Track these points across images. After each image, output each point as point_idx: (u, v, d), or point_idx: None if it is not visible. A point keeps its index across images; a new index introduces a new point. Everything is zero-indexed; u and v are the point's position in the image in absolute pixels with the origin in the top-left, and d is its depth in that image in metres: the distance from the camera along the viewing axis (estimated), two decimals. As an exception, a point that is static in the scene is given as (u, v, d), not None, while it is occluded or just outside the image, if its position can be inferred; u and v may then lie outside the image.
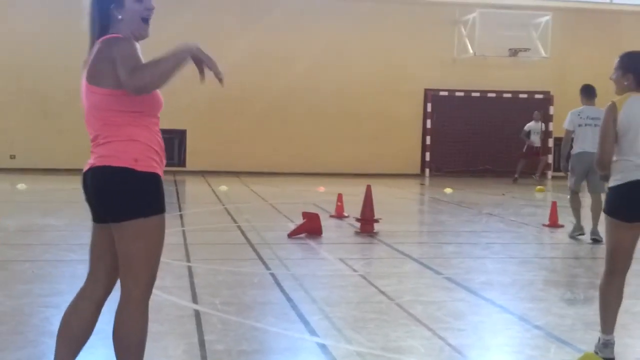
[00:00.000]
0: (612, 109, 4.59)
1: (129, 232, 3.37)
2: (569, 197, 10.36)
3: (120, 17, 3.48)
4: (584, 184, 10.03)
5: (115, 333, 3.54)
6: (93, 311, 3.66)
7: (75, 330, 3.63)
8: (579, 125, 9.79)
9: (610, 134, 4.56)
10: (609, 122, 4.57)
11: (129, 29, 3.49)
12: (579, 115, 9.84)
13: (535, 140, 21.21)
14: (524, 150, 21.30)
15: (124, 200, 3.35)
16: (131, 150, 3.36)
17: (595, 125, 9.17)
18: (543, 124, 21.63)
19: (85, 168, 3.48)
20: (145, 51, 3.64)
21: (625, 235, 4.59)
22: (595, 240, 9.44)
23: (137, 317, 3.52)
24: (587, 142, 9.57)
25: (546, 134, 23.14)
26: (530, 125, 21.23)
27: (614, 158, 4.59)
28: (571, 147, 10.02)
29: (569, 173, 10.13)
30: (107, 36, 3.44)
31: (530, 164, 21.42)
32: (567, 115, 10.02)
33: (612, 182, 4.62)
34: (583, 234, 9.88)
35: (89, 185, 3.48)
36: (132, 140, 3.38)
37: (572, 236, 9.98)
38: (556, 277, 7.49)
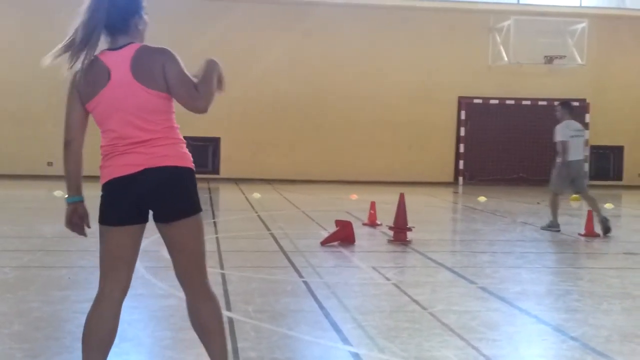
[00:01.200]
0: None
1: (194, 227, 3.65)
2: (550, 197, 11.68)
3: (140, 28, 3.65)
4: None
5: (199, 324, 3.85)
6: (116, 313, 3.77)
7: (102, 334, 3.72)
8: (571, 137, 11.37)
9: None
10: None
11: (142, 41, 3.67)
12: (567, 127, 11.42)
13: None
14: None
15: (194, 197, 3.65)
16: (187, 152, 3.69)
17: (579, 137, 11.52)
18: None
19: (138, 169, 3.54)
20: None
21: None
22: (606, 221, 10.99)
23: (214, 303, 3.85)
24: (575, 152, 11.37)
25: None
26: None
27: None
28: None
29: (553, 177, 11.60)
30: (149, 45, 3.59)
31: None
32: (557, 129, 11.48)
33: None
34: (559, 231, 11.35)
35: (146, 185, 3.55)
36: (183, 141, 3.69)
37: (545, 228, 11.46)
38: (592, 287, 7.38)
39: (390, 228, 10.20)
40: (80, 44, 3.53)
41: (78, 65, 3.55)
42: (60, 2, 19.41)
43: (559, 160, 11.46)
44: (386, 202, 12.84)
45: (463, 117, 22.78)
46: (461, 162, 22.85)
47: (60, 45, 3.57)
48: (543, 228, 11.59)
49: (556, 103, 12.50)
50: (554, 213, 11.45)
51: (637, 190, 22.03)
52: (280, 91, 22.00)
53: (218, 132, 22.08)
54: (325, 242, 9.53)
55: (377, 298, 6.65)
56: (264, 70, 21.75)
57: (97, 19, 3.53)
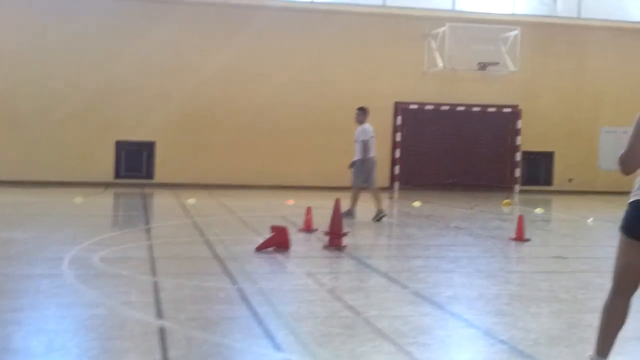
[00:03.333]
0: None
1: None
2: (354, 192, 13.66)
3: None
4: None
5: None
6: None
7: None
8: (370, 137, 13.46)
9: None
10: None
11: None
12: (368, 129, 13.52)
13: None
14: None
15: None
16: None
17: (374, 137, 13.65)
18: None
19: None
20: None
21: (637, 255, 4.30)
22: (382, 214, 13.31)
23: None
24: (372, 150, 13.48)
25: (513, 148, 23.41)
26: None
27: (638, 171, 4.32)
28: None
29: (356, 174, 13.57)
30: None
31: None
32: (360, 131, 13.52)
33: (632, 197, 4.30)
34: (354, 219, 13.16)
35: None
36: None
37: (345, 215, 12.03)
38: (521, 291, 7.53)
39: (326, 233, 10.21)
40: None
41: None
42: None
43: (359, 158, 13.43)
44: (322, 207, 12.86)
45: (399, 122, 23.00)
46: (397, 167, 23.06)
47: None
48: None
49: (357, 108, 14.07)
50: (354, 204, 13.46)
51: (567, 195, 22.61)
52: (216, 96, 21.84)
53: (152, 136, 21.79)
54: (260, 248, 9.48)
55: (311, 304, 6.65)
56: (199, 75, 21.56)
57: None
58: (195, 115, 21.72)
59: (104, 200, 17.72)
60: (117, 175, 21.74)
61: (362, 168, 13.49)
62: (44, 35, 21.02)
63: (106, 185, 20.82)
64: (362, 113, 13.80)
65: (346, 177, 22.20)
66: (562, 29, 23.94)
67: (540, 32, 23.66)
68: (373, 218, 13.37)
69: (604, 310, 4.41)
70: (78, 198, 16.13)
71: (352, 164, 13.69)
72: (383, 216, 13.41)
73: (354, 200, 13.59)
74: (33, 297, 6.44)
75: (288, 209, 15.30)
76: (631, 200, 4.31)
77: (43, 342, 5.10)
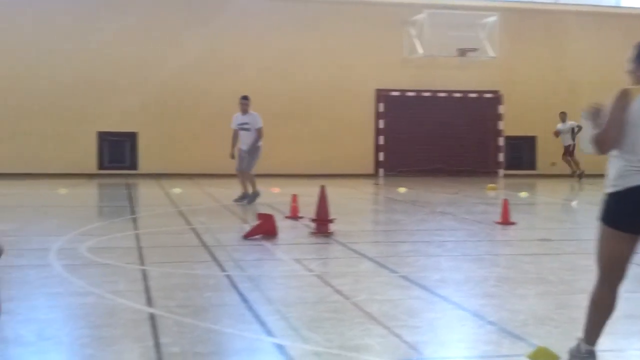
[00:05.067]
0: (625, 96, 4.10)
1: None
2: (250, 175, 14.15)
3: None
4: None
5: None
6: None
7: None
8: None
9: (620, 120, 4.07)
10: (620, 109, 4.08)
11: None
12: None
13: (565, 139, 21.71)
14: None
15: None
16: None
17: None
18: (573, 122, 21.66)
19: None
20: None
21: (624, 245, 4.19)
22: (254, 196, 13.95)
23: None
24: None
25: (496, 133, 23.50)
26: (558, 127, 21.74)
27: (614, 153, 4.17)
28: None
29: (252, 159, 14.17)
30: None
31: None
32: (257, 118, 14.30)
33: (612, 188, 4.16)
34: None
35: None
36: None
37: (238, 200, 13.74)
38: (508, 273, 7.59)
39: (313, 220, 10.23)
40: None
41: None
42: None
43: (258, 144, 14.17)
44: (308, 195, 12.88)
45: (381, 109, 23.04)
46: (381, 154, 23.11)
47: None
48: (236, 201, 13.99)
49: (241, 96, 14.72)
50: (254, 185, 14.15)
51: (550, 179, 22.77)
52: (196, 85, 21.78)
53: (134, 126, 21.71)
54: (247, 236, 9.49)
55: (300, 289, 6.67)
56: (179, 64, 21.47)
57: None
58: (175, 105, 21.67)
59: (89, 191, 17.65)
60: (101, 166, 21.66)
61: (257, 153, 14.29)
62: (19, 30, 20.84)
63: (90, 176, 20.72)
64: (247, 102, 14.59)
65: (329, 164, 22.43)
66: (540, 14, 24.05)
67: (519, 17, 23.75)
68: (240, 200, 14.06)
69: (592, 301, 4.33)
70: (62, 189, 16.05)
71: (249, 151, 14.19)
72: (256, 197, 14.16)
73: (253, 182, 14.23)
74: (22, 287, 6.41)
75: (274, 196, 15.30)
76: (610, 191, 4.17)
77: (34, 331, 5.09)
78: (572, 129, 21.57)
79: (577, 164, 21.68)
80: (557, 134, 21.78)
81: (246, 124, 14.21)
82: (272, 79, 22.18)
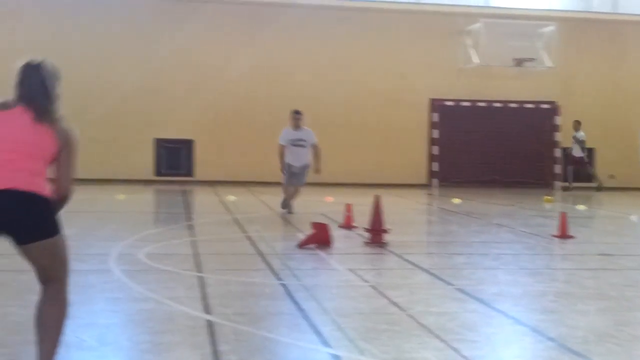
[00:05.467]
0: None
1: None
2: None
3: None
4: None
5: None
6: None
7: None
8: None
9: None
10: None
11: None
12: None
13: (574, 150, 21.52)
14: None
15: None
16: None
17: None
18: (582, 133, 21.42)
19: None
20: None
21: None
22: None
23: None
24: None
25: (552, 145, 23.14)
26: (575, 135, 21.52)
27: None
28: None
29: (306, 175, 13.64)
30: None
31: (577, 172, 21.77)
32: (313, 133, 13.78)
33: None
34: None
35: None
36: None
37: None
38: (567, 288, 7.46)
39: (367, 230, 10.21)
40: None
41: None
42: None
43: (309, 162, 13.68)
44: (361, 204, 12.87)
45: (435, 119, 22.91)
46: (435, 164, 22.97)
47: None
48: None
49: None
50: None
51: (608, 192, 22.31)
52: (252, 93, 21.96)
53: (191, 134, 21.99)
54: (302, 245, 9.52)
55: (355, 300, 6.66)
56: (236, 72, 21.69)
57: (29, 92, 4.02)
58: (230, 113, 21.90)
59: (146, 197, 17.94)
60: (158, 172, 21.99)
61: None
62: (77, 36, 21.30)
63: (147, 182, 21.06)
64: (303, 116, 13.95)
65: (383, 174, 22.36)
66: (599, 24, 23.63)
67: (577, 27, 23.39)
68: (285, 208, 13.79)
69: None
70: (120, 195, 16.35)
71: (306, 167, 13.73)
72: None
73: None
74: (83, 292, 6.53)
75: (327, 206, 15.32)
76: None
77: (95, 335, 5.19)
78: (584, 140, 21.17)
79: (594, 176, 21.39)
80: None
81: (301, 140, 13.51)
82: (326, 88, 22.25)
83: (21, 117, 3.96)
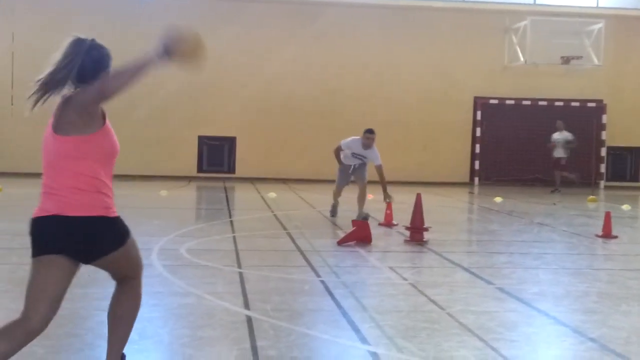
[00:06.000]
0: None
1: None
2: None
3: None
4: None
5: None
6: None
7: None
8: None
9: None
10: None
11: None
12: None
13: (559, 152, 20.17)
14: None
15: None
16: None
17: None
18: (568, 134, 20.31)
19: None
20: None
21: None
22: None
23: None
24: None
25: (598, 144, 22.76)
26: (554, 137, 20.28)
27: None
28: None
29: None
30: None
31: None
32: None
33: None
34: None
35: None
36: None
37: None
38: (610, 288, 7.35)
39: (407, 228, 10.19)
40: (49, 85, 3.63)
41: (39, 105, 3.65)
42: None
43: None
44: (402, 202, 12.83)
45: (479, 117, 22.71)
46: (477, 163, 22.78)
47: (34, 86, 3.64)
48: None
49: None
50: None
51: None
52: (294, 91, 22.02)
53: (234, 131, 22.15)
54: (341, 242, 9.54)
55: (394, 298, 6.66)
56: (278, 70, 21.77)
57: (70, 67, 3.63)
58: (272, 111, 21.98)
59: (188, 193, 18.12)
60: (200, 169, 22.20)
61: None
62: (122, 36, 21.56)
63: (190, 178, 21.27)
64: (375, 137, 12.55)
65: (424, 172, 22.26)
66: (648, 21, 23.18)
67: (625, 25, 22.97)
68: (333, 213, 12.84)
69: None
70: (163, 191, 16.54)
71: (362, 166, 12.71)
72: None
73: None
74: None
75: (367, 203, 15.28)
76: None
77: (136, 329, 5.19)
78: (567, 141, 20.01)
79: (568, 179, 20.16)
80: (554, 145, 20.14)
81: (364, 157, 12.47)
82: (368, 86, 22.20)
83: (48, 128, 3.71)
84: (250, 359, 4.73)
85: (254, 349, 4.91)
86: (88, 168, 3.62)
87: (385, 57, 22.22)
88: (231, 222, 12.05)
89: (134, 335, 5.14)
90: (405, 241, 9.97)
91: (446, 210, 15.25)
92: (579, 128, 22.14)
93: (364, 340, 5.22)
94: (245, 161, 22.19)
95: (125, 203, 14.99)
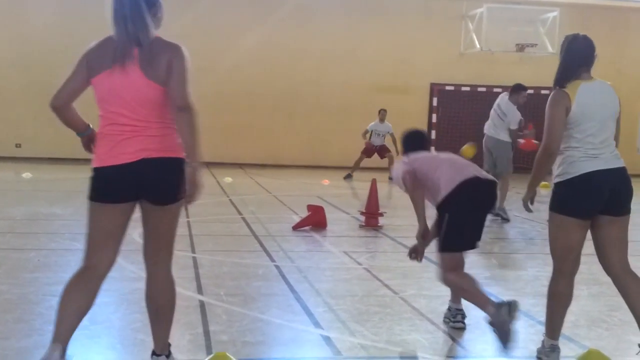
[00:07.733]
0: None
1: (172, 213, 4.17)
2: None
3: (159, 15, 4.07)
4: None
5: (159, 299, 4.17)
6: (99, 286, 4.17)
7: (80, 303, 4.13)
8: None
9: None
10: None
11: (159, 27, 4.08)
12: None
13: (376, 141, 18.93)
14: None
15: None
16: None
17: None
18: (389, 125, 19.05)
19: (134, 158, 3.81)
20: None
21: (577, 233, 4.46)
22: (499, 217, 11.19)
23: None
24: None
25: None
26: (373, 125, 19.08)
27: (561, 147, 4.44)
28: None
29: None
30: (162, 38, 3.96)
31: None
32: None
33: (563, 176, 4.49)
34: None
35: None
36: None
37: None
38: (560, 273, 7.48)
39: (362, 213, 10.23)
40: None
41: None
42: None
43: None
44: (357, 188, 12.88)
45: (435, 103, 22.86)
46: (432, 149, 22.92)
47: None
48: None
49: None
50: None
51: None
52: (252, 76, 21.89)
53: (190, 115, 21.97)
54: (296, 227, 9.54)
55: (348, 282, 6.68)
56: (236, 55, 21.60)
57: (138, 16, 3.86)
58: (229, 95, 21.81)
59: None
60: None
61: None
62: (83, 16, 21.25)
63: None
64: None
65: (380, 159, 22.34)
66: (602, 10, 23.51)
67: (580, 13, 23.25)
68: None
69: (550, 295, 4.56)
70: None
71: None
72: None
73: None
74: (75, 270, 6.55)
75: (324, 188, 15.33)
76: (561, 180, 4.51)
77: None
78: (388, 132, 18.62)
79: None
80: (366, 133, 18.85)
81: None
82: (326, 71, 22.17)
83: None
84: (202, 343, 4.71)
85: (207, 333, 4.89)
86: None
87: (344, 43, 22.20)
88: (185, 207, 11.94)
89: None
90: (360, 226, 10.02)
91: (401, 196, 15.31)
92: (532, 115, 22.37)
93: (317, 324, 5.23)
94: (200, 145, 22.01)
95: (78, 188, 14.82)
